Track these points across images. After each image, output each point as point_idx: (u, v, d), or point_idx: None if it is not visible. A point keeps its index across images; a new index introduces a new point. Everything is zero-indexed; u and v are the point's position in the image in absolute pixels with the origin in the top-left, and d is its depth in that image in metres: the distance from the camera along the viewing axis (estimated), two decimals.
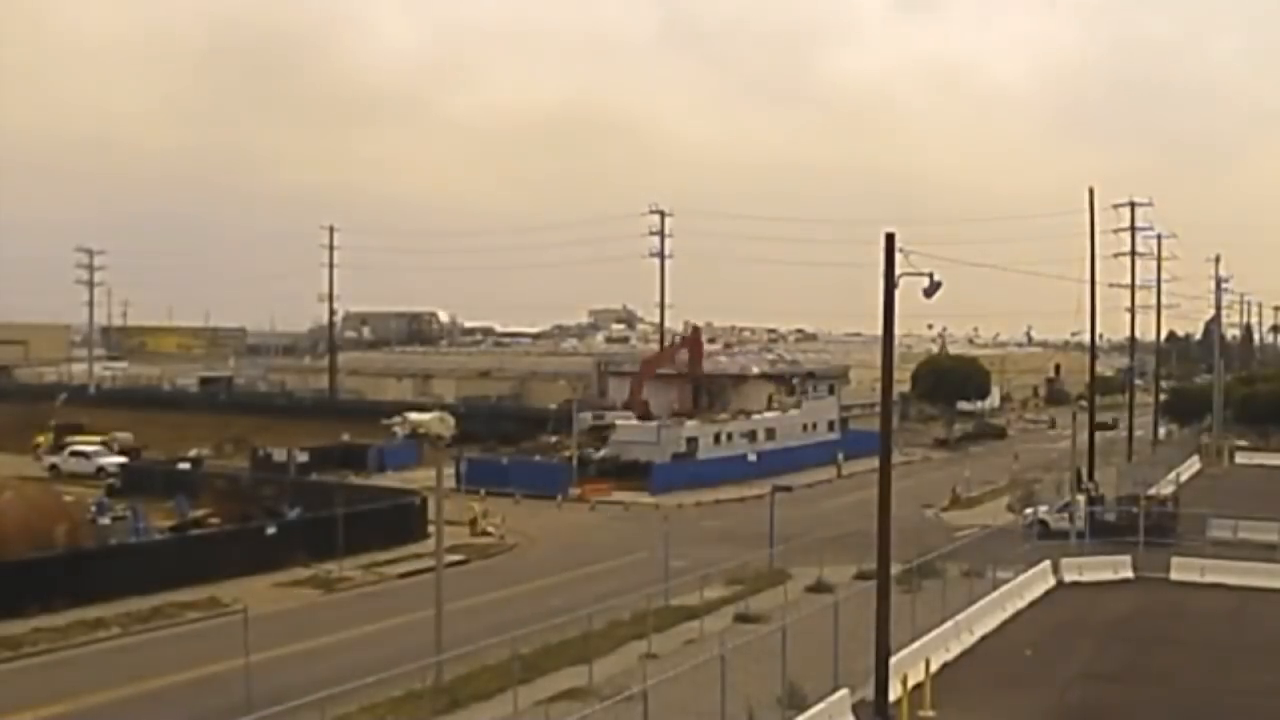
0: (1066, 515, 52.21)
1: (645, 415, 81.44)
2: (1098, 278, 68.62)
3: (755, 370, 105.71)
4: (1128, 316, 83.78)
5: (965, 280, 33.91)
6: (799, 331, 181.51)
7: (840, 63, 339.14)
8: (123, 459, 69.20)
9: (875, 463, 28.64)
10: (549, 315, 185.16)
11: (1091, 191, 67.90)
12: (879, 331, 27.79)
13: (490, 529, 54.44)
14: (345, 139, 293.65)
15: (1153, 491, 57.79)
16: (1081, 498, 55.33)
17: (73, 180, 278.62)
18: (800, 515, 52.21)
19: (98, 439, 74.06)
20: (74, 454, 70.40)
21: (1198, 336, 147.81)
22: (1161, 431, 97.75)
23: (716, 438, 77.23)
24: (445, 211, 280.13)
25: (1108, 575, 44.20)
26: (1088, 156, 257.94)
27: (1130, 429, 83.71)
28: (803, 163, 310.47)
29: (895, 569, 30.23)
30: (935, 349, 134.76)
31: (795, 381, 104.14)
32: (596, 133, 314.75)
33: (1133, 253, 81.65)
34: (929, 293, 26.50)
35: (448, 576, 31.94)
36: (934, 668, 29.33)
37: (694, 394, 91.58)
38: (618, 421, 78.76)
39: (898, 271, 25.90)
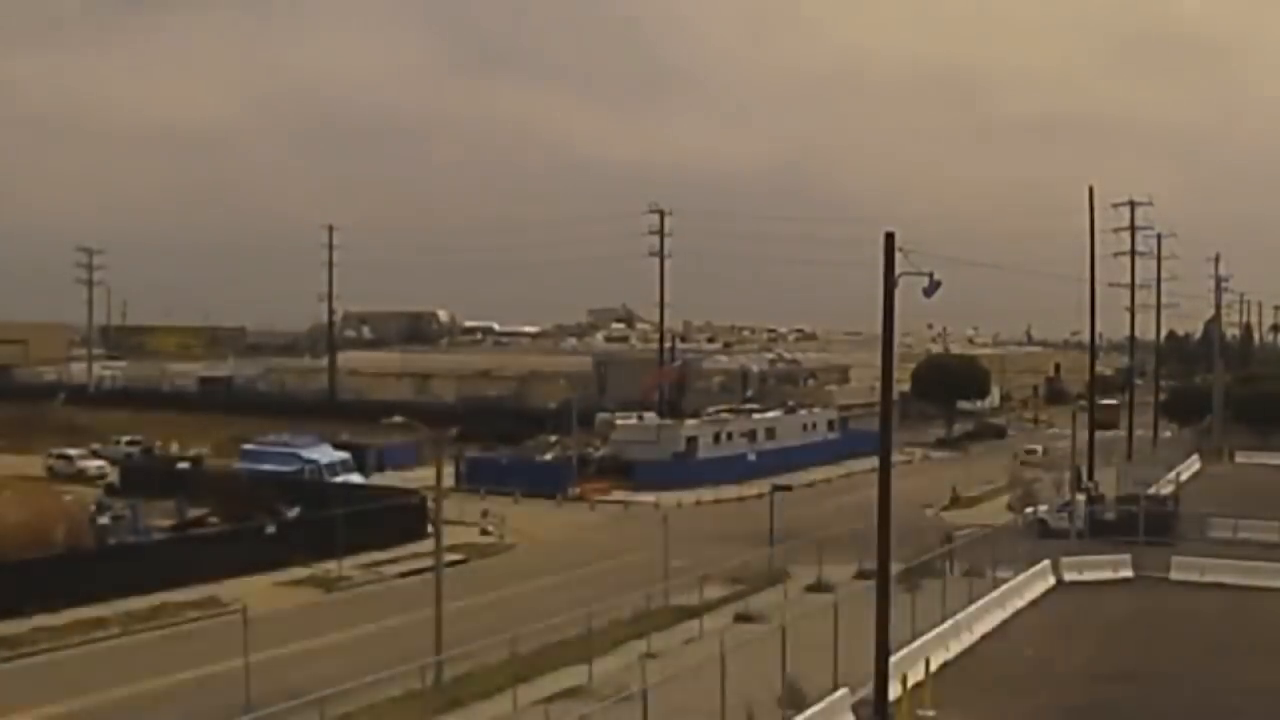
0: (1066, 515, 52.24)
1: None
2: (1098, 277, 68.75)
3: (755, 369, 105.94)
4: (1128, 316, 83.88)
5: (965, 280, 33.90)
6: (799, 331, 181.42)
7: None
8: None
9: (875, 462, 28.62)
10: (549, 315, 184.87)
11: (1091, 190, 67.99)
12: (879, 331, 27.76)
13: (489, 529, 54.47)
14: None
15: (1153, 491, 57.79)
16: (1081, 497, 55.34)
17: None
18: (800, 515, 52.21)
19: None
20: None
21: (1198, 336, 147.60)
22: (1163, 431, 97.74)
23: (716, 437, 77.24)
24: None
25: (1108, 575, 44.19)
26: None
27: (1130, 429, 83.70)
28: (803, 161, 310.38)
29: (895, 568, 30.23)
30: (935, 349, 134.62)
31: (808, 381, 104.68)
32: None
33: (1132, 252, 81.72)
34: (929, 292, 26.46)
35: (447, 576, 31.96)
36: (934, 667, 29.35)
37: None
38: (618, 421, 78.89)
39: (897, 271, 25.88)
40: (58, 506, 47.04)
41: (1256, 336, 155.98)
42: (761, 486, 55.54)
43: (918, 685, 27.56)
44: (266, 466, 62.97)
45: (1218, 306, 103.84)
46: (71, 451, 73.34)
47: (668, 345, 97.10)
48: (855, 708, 26.73)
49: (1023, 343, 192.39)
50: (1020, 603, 39.31)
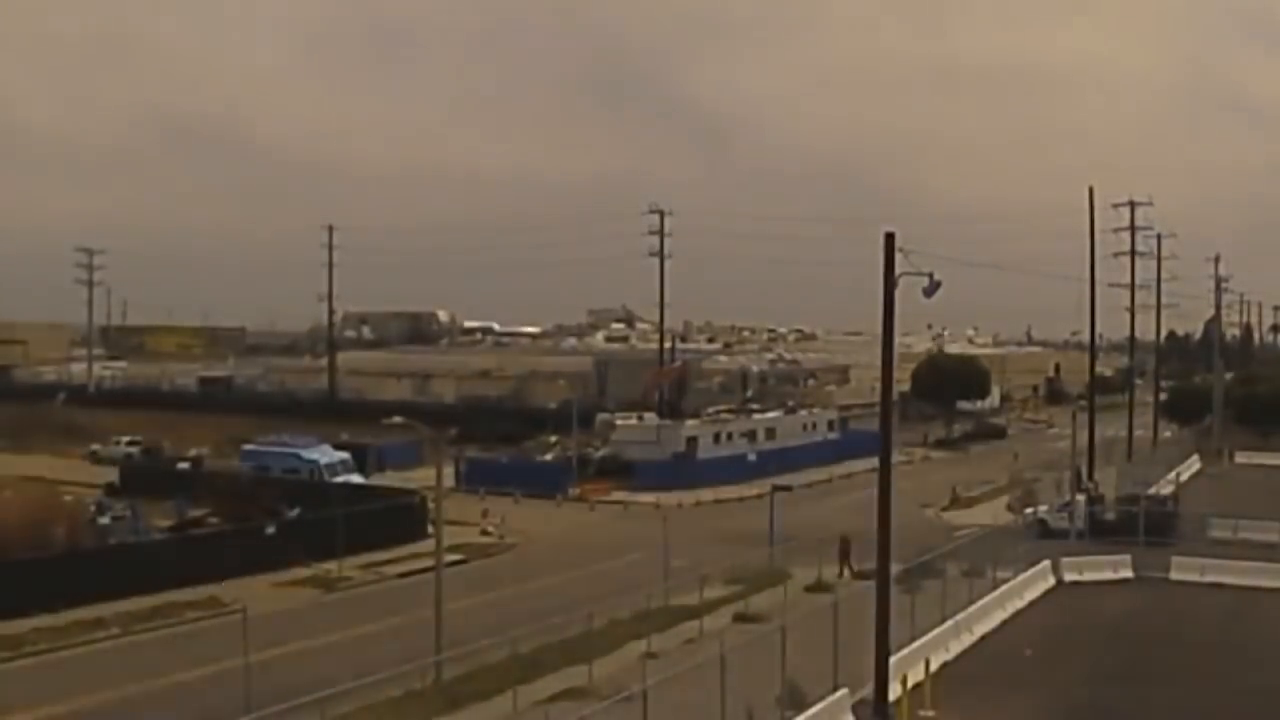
0: (1066, 515, 52.24)
1: None
2: (1098, 277, 68.75)
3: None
4: (1128, 316, 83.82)
5: (965, 280, 33.90)
6: (799, 331, 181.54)
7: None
8: None
9: (875, 463, 28.62)
10: (549, 315, 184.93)
11: (1091, 191, 68.00)
12: (879, 331, 27.75)
13: (490, 529, 54.47)
14: None
15: (1153, 491, 57.79)
16: (1081, 497, 55.36)
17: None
18: (800, 515, 52.22)
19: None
20: None
21: (1198, 336, 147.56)
22: (1163, 431, 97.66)
23: (716, 437, 77.23)
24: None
25: (1107, 575, 44.20)
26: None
27: (1130, 429, 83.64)
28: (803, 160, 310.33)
29: (895, 569, 30.23)
30: (935, 349, 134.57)
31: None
32: None
33: (1132, 252, 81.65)
34: (929, 292, 26.47)
35: (448, 576, 31.96)
36: (934, 667, 29.33)
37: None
38: (618, 421, 78.91)
39: (898, 271, 25.88)
40: (58, 506, 46.99)
41: (1256, 336, 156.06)
42: (761, 486, 55.49)
43: (918, 685, 27.55)
44: (267, 466, 63.01)
45: (1218, 306, 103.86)
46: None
47: (668, 345, 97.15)
48: (855, 708, 26.75)
49: (1023, 343, 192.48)
50: (1020, 603, 39.32)
